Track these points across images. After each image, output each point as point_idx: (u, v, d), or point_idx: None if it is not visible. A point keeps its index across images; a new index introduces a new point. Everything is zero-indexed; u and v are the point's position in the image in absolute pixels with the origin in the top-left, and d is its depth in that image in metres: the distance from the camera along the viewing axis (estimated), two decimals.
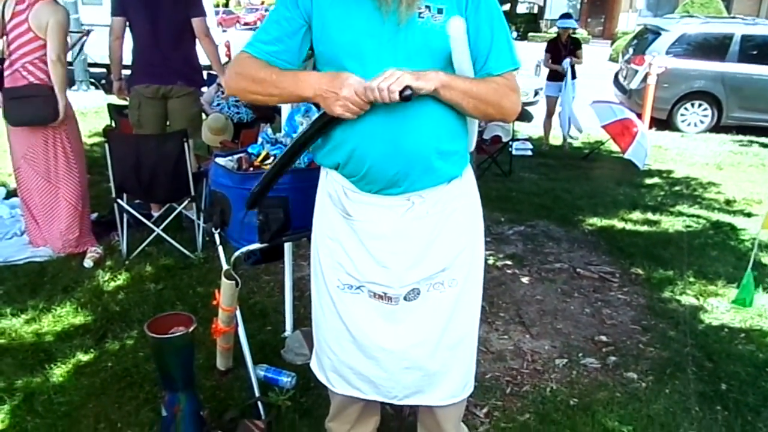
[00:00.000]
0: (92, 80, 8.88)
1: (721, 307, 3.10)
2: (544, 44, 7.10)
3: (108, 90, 8.80)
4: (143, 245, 3.40)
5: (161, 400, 1.97)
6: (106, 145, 3.27)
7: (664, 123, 8.50)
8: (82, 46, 7.23)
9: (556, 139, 7.15)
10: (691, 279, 3.42)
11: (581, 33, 9.48)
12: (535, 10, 29.39)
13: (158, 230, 3.40)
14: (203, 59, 3.74)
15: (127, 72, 3.72)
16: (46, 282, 3.09)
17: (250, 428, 2.02)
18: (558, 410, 2.27)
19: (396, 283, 1.55)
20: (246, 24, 29.18)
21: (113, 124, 4.39)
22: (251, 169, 2.10)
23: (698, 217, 4.65)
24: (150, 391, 2.25)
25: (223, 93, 4.83)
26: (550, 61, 6.71)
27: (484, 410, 2.26)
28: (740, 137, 7.96)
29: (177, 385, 1.92)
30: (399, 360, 1.60)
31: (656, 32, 9.02)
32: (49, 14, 3.08)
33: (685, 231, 4.31)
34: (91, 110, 7.58)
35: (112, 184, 3.33)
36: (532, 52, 11.59)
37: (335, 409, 1.86)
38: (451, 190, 1.56)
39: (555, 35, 6.94)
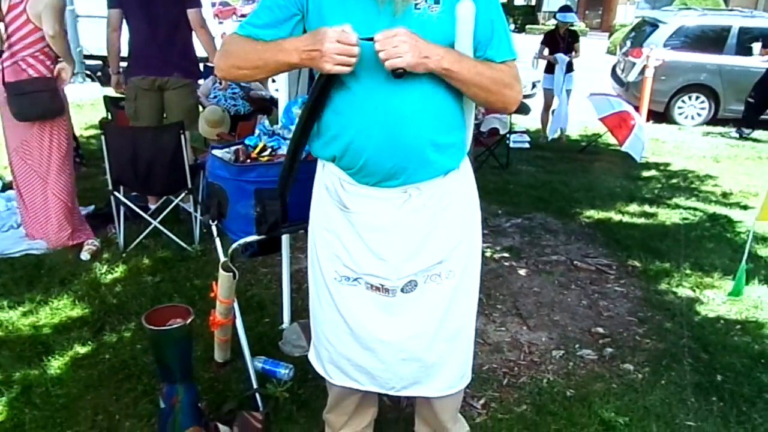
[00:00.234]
0: (88, 72, 8.83)
1: (717, 299, 3.11)
2: (542, 36, 7.08)
3: (104, 82, 8.77)
4: (140, 238, 3.40)
5: (159, 392, 1.98)
6: (103, 138, 3.25)
7: (661, 116, 8.49)
8: None
9: (558, 133, 7.13)
10: (688, 271, 3.44)
11: (579, 25, 9.46)
12: (533, 2, 29.26)
13: (155, 223, 3.40)
14: (200, 51, 3.72)
15: (125, 65, 3.70)
16: (43, 274, 3.09)
17: (248, 420, 2.03)
18: (555, 401, 2.28)
19: (393, 275, 1.55)
20: (242, 16, 28.99)
21: (109, 117, 4.38)
22: (248, 161, 2.09)
23: (695, 209, 4.66)
24: (148, 383, 2.25)
25: (220, 84, 4.81)
26: (546, 52, 6.69)
27: (481, 401, 2.27)
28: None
29: (175, 377, 1.92)
30: (396, 351, 1.61)
31: (654, 25, 9.01)
32: (45, 1, 3.06)
33: (682, 223, 4.32)
34: (87, 102, 7.54)
35: (108, 177, 3.32)
36: (529, 45, 11.54)
37: (333, 401, 1.87)
38: (448, 183, 1.56)
39: (553, 27, 6.92)
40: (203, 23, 3.57)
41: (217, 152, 2.11)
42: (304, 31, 1.47)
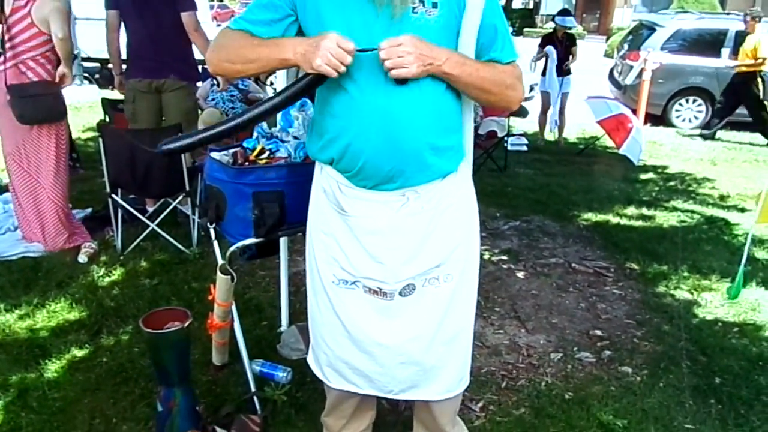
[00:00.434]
0: (86, 75, 8.83)
1: (715, 302, 3.12)
2: (540, 39, 7.09)
3: (102, 84, 8.77)
4: (138, 240, 3.39)
5: (157, 396, 1.97)
6: (100, 140, 3.25)
7: (658, 119, 8.51)
8: None
9: (551, 134, 7.15)
10: (685, 274, 3.44)
11: (576, 28, 9.51)
12: (531, 6, 29.37)
13: (153, 225, 3.39)
14: (198, 53, 3.72)
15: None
16: (40, 277, 3.08)
17: (246, 423, 2.02)
18: (553, 404, 2.28)
19: (391, 278, 1.55)
20: None
21: (107, 119, 4.37)
22: (246, 163, 2.09)
23: (692, 212, 4.67)
24: (145, 387, 2.25)
25: (218, 86, 4.81)
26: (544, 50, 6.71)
27: (480, 404, 2.27)
28: (734, 133, 7.99)
29: (172, 381, 1.92)
30: (394, 355, 1.61)
31: (651, 28, 9.03)
32: (51, 5, 3.08)
33: (680, 226, 4.33)
34: (84, 105, 7.54)
35: (106, 179, 3.31)
36: (527, 48, 11.57)
37: (331, 404, 1.86)
38: (447, 186, 1.56)
39: (551, 30, 6.94)
40: (197, 26, 3.55)
41: (215, 155, 2.11)
42: (299, 33, 1.47)
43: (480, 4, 1.41)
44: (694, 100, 8.57)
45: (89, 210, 3.92)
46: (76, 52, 8.30)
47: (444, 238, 1.57)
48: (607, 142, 6.40)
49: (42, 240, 3.34)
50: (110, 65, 8.63)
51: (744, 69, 7.27)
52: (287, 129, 2.17)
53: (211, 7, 10.90)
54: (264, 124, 2.37)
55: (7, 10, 3.05)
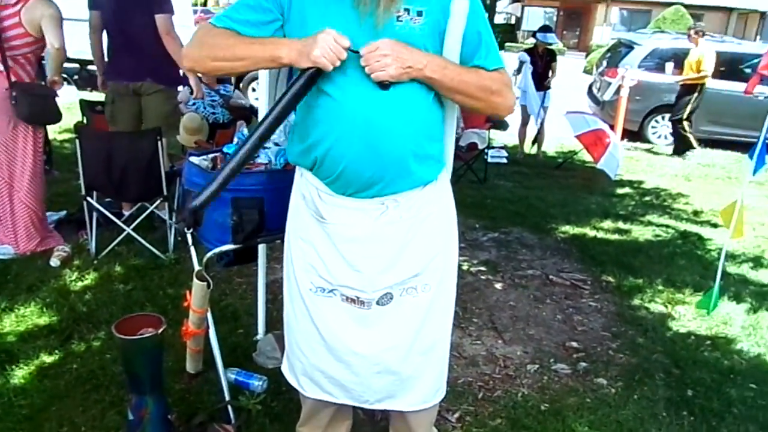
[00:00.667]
0: (65, 75, 8.68)
1: (688, 315, 3.17)
2: (520, 54, 7.19)
3: (80, 86, 8.63)
4: (113, 245, 3.33)
5: (128, 404, 1.93)
6: (77, 142, 3.19)
7: (635, 135, 8.67)
8: None
9: (530, 147, 7.24)
10: (660, 287, 3.49)
11: (557, 44, 9.67)
12: (513, 21, 29.79)
13: (129, 230, 3.33)
14: None
15: None
16: (9, 280, 3.00)
17: None
18: (529, 415, 2.28)
19: (369, 287, 1.54)
20: None
21: (85, 121, 4.30)
22: None
23: (667, 226, 4.75)
24: (116, 394, 2.19)
25: (192, 93, 4.76)
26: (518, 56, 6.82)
27: (456, 415, 2.26)
28: (707, 150, 8.18)
29: (144, 388, 1.88)
30: (371, 364, 1.60)
31: (629, 46, 9.21)
32: (43, 8, 3.05)
33: (655, 240, 4.40)
34: (62, 106, 7.37)
35: (81, 182, 3.25)
36: (509, 62, 11.71)
37: (306, 414, 1.84)
38: (426, 195, 1.56)
39: (531, 45, 7.04)
40: (170, 30, 3.47)
41: (194, 159, 2.09)
42: (284, 37, 1.47)
43: (464, 10, 1.42)
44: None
45: (63, 213, 3.84)
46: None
47: (422, 248, 1.57)
48: (585, 156, 6.50)
49: (14, 243, 3.25)
50: (89, 66, 8.53)
51: (688, 82, 7.52)
52: None
53: (195, 12, 10.83)
54: (245, 130, 2.36)
55: None
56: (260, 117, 2.36)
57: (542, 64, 6.68)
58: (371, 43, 1.34)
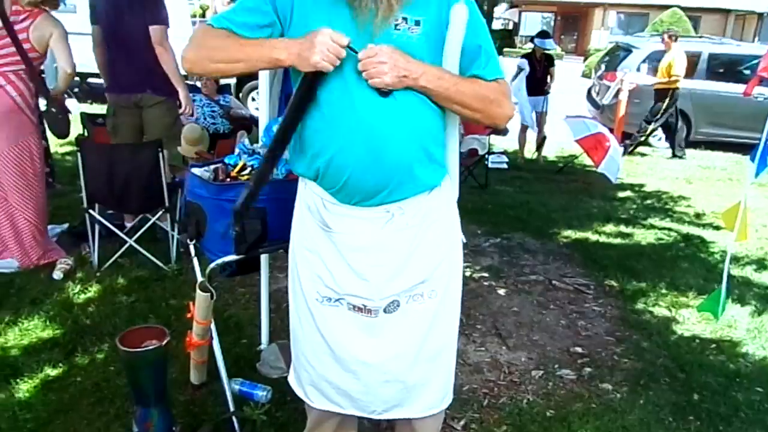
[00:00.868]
0: None
1: (692, 318, 3.16)
2: (518, 59, 7.22)
3: (81, 98, 8.66)
4: (115, 257, 3.34)
5: (132, 416, 1.92)
6: (79, 155, 3.20)
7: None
8: None
9: (531, 152, 7.25)
10: (664, 291, 3.49)
11: (555, 49, 9.69)
12: (510, 26, 29.89)
13: (131, 241, 3.34)
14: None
15: None
16: (12, 294, 3.00)
17: None
18: (534, 422, 2.27)
19: (376, 295, 1.54)
20: None
21: (86, 133, 4.31)
22: (228, 179, 2.07)
23: (669, 230, 4.75)
24: (121, 407, 2.19)
25: (201, 102, 4.78)
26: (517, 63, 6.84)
27: (462, 422, 2.25)
28: (708, 152, 8.19)
29: (149, 401, 1.87)
30: (378, 373, 1.59)
31: (627, 50, 9.24)
32: (51, 27, 3.08)
33: (657, 243, 4.40)
34: None
35: (83, 194, 3.26)
36: (507, 68, 11.75)
37: (312, 424, 1.83)
38: (431, 202, 1.56)
39: (530, 51, 7.07)
40: (163, 41, 3.47)
41: (196, 171, 2.09)
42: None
43: (463, 20, 1.42)
44: None
45: (65, 225, 3.85)
46: (55, 65, 8.20)
47: (428, 254, 1.57)
48: (586, 160, 6.50)
49: (18, 256, 3.25)
50: (90, 79, 8.54)
51: (660, 86, 7.55)
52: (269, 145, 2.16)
53: (194, 23, 10.87)
54: (246, 140, 2.37)
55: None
56: (260, 126, 2.38)
57: (541, 69, 6.71)
58: (370, 47, 1.34)
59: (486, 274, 3.64)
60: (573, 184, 6.19)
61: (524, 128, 7.03)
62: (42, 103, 3.30)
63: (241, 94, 8.08)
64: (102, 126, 3.93)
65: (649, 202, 5.70)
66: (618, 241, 4.42)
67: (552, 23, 28.65)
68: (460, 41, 1.44)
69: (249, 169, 2.08)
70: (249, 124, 5.05)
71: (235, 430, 2.06)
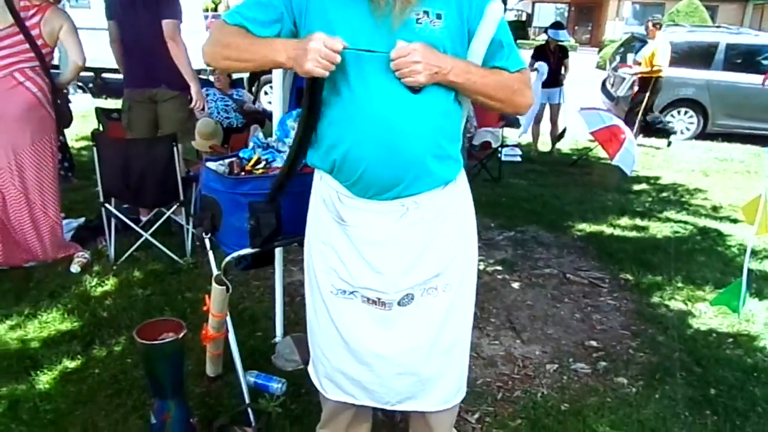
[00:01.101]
0: (80, 84, 8.80)
1: (709, 312, 3.13)
2: (532, 51, 7.15)
3: (96, 93, 8.74)
4: (131, 250, 3.37)
5: (150, 408, 1.95)
6: (94, 149, 3.23)
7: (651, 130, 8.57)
8: None
9: (544, 145, 7.20)
10: (680, 284, 3.45)
11: (569, 41, 9.57)
12: (524, 18, 29.63)
13: (146, 235, 3.37)
14: (196, 63, 3.68)
15: None
16: (31, 287, 3.05)
17: None
18: (549, 415, 2.27)
19: (390, 288, 1.54)
20: None
21: (101, 128, 4.35)
22: (243, 173, 2.08)
23: (685, 222, 4.69)
24: (138, 398, 2.22)
25: (214, 96, 4.80)
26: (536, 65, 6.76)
27: (476, 416, 2.26)
28: (725, 144, 8.07)
29: (166, 392, 1.90)
30: (392, 366, 1.60)
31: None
32: (61, 20, 3.10)
33: (673, 236, 4.35)
34: (78, 114, 7.45)
35: (99, 189, 3.29)
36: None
37: (327, 416, 1.85)
38: (446, 195, 1.56)
39: (543, 42, 7.00)
40: (175, 35, 3.46)
41: (211, 165, 2.11)
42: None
43: (498, 17, 1.44)
44: (686, 112, 8.64)
45: (82, 219, 3.89)
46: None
47: (443, 248, 1.57)
48: (600, 152, 6.44)
49: (41, 251, 3.28)
50: (104, 74, 8.61)
51: (642, 75, 7.43)
52: (283, 139, 2.17)
53: (206, 17, 10.90)
54: (260, 134, 2.37)
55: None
56: (275, 120, 2.39)
57: (555, 60, 6.64)
58: (403, 46, 1.34)
59: (500, 268, 3.62)
60: (587, 177, 6.14)
61: (537, 121, 6.97)
62: None
63: (253, 89, 8.12)
64: (117, 121, 3.97)
65: (664, 194, 5.64)
66: (633, 234, 4.38)
67: (566, 14, 28.35)
68: (491, 36, 1.45)
69: (263, 162, 2.09)
70: (262, 118, 5.07)
71: (250, 422, 2.08)
